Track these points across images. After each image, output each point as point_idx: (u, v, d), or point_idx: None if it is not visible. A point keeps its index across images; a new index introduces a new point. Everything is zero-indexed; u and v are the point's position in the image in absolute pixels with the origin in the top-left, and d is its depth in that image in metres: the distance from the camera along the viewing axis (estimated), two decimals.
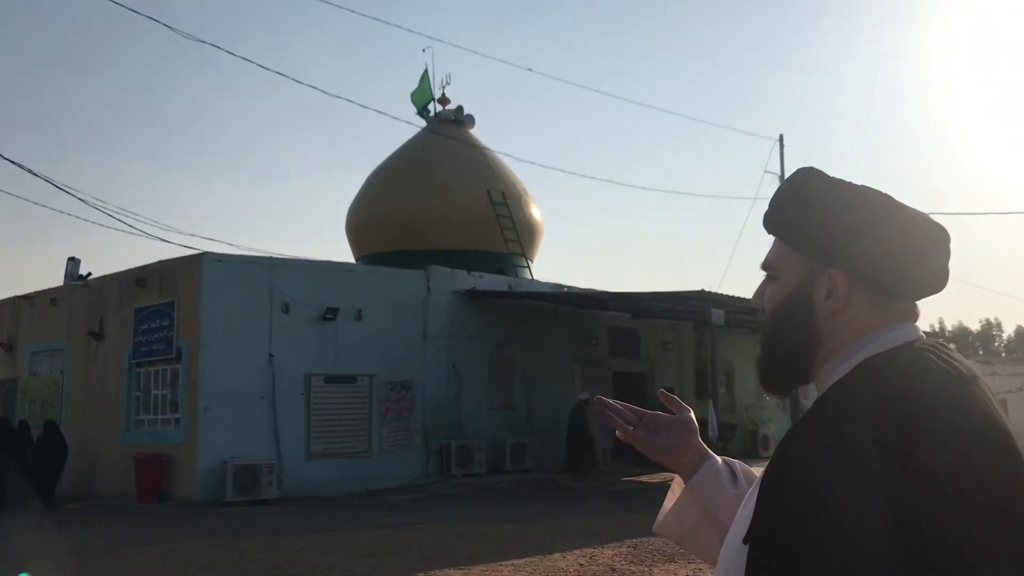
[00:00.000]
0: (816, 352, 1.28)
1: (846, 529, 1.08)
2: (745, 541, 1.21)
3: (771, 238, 1.38)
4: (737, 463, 1.59)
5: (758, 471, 1.39)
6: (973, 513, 1.04)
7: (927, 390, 1.12)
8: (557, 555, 9.90)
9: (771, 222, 1.36)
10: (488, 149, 25.53)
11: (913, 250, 1.25)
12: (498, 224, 22.75)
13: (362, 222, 24.08)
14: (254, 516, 13.71)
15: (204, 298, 15.38)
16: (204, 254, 15.77)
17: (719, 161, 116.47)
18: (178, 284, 15.96)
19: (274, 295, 16.19)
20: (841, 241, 1.26)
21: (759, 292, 1.38)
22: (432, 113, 25.78)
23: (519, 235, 23.17)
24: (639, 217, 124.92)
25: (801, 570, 1.11)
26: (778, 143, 24.79)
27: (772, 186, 29.04)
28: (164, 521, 13.24)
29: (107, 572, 9.30)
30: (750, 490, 1.35)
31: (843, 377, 1.23)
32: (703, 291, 15.83)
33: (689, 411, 1.61)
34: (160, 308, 16.11)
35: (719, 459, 1.59)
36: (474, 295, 19.33)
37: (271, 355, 16.04)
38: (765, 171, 26.96)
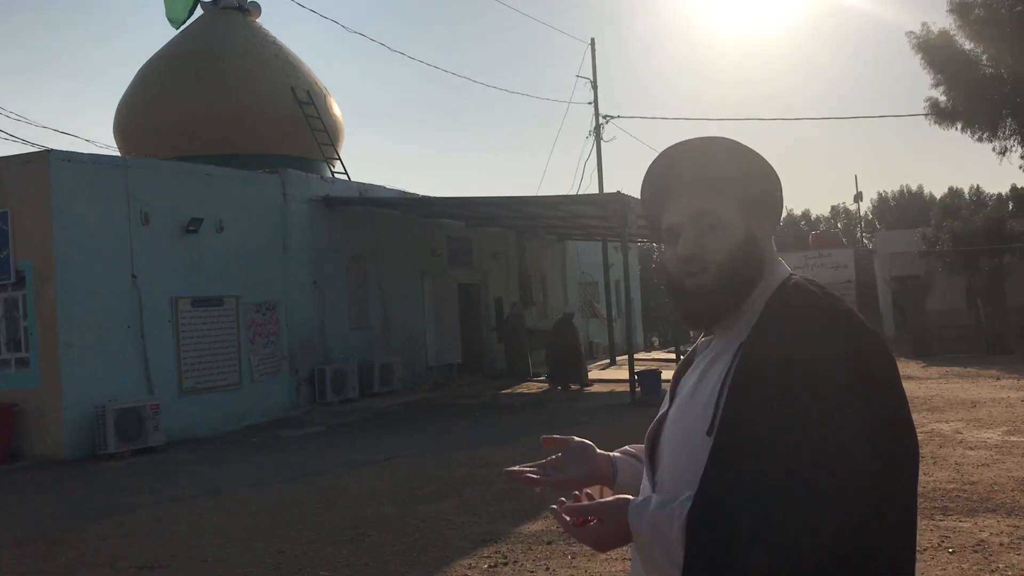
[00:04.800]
0: (756, 284, 1.54)
1: (834, 415, 1.32)
2: (709, 433, 1.42)
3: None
4: (633, 448, 1.78)
5: None
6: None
7: (846, 309, 1.47)
8: None
9: (705, 180, 1.55)
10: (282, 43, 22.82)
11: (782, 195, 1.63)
12: (308, 125, 20.44)
13: (140, 122, 20.53)
14: (164, 468, 11.37)
15: (55, 208, 12.25)
16: (50, 152, 12.47)
17: (535, 64, 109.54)
18: (12, 190, 12.52)
19: (132, 203, 13.31)
20: (764, 194, 1.58)
21: (696, 243, 1.54)
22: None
23: (330, 137, 21.07)
24: (454, 117, 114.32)
25: (793, 443, 1.32)
26: (590, 47, 24.44)
27: (585, 91, 28.90)
28: (60, 486, 10.56)
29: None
30: (676, 401, 1.60)
31: (774, 296, 1.51)
32: (619, 193, 15.10)
33: (573, 438, 1.75)
34: None
35: (620, 455, 1.78)
36: (328, 203, 17.32)
37: (134, 276, 13.26)
38: (578, 76, 26.64)
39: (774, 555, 1.29)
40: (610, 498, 1.53)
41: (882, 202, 51.48)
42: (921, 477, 8.13)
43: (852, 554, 1.32)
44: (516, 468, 1.70)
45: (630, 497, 1.51)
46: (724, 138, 1.59)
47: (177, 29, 22.11)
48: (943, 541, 5.90)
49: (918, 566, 5.24)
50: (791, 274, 1.56)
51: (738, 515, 1.32)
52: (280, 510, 8.40)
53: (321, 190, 17.33)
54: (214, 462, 11.70)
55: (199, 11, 22.31)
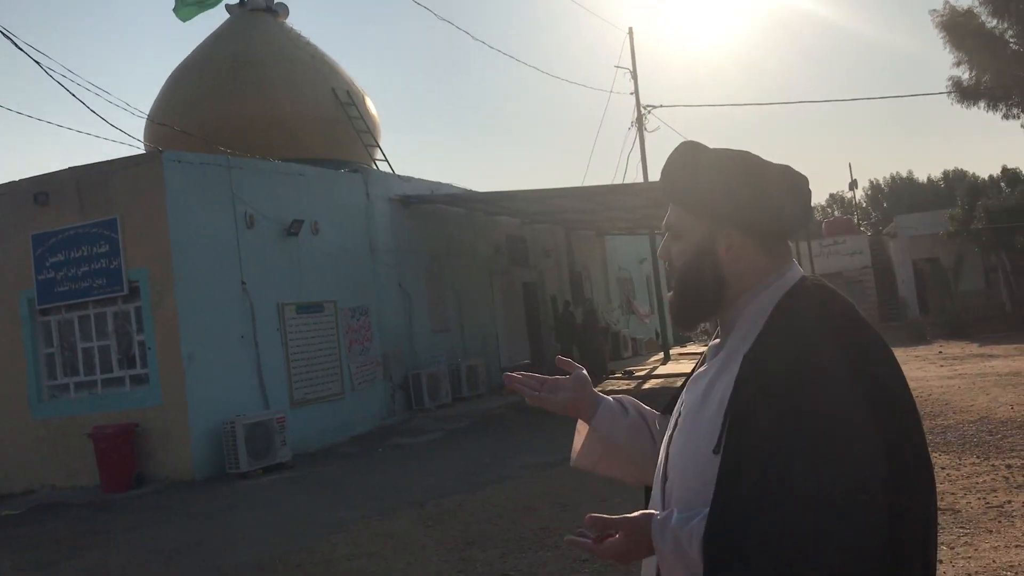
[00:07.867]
0: (723, 294, 1.57)
1: (836, 416, 1.33)
2: (716, 451, 1.44)
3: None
4: (626, 398, 1.90)
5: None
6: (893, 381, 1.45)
7: (849, 313, 1.48)
8: None
9: (668, 191, 1.62)
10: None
11: (781, 201, 1.56)
12: (351, 126, 19.71)
13: (177, 128, 19.65)
14: (316, 483, 10.63)
15: (170, 212, 11.44)
16: (164, 153, 11.65)
17: (570, 54, 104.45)
18: (121, 195, 11.67)
19: (237, 205, 12.55)
20: (730, 205, 1.54)
21: (665, 249, 1.64)
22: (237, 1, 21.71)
23: (374, 137, 20.37)
24: (488, 104, 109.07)
25: (808, 450, 1.31)
26: (628, 36, 24.00)
27: (625, 81, 28.39)
28: (222, 507, 9.77)
29: None
30: (684, 410, 1.60)
31: (779, 307, 1.50)
32: None
33: (582, 369, 1.91)
34: (88, 231, 11.74)
35: (610, 399, 1.90)
36: (406, 202, 16.63)
37: (243, 282, 12.48)
38: (616, 66, 26.14)
39: (792, 567, 1.29)
40: (635, 513, 1.53)
41: (875, 189, 51.92)
42: None
43: (873, 554, 1.31)
44: (517, 374, 1.88)
45: (654, 512, 1.52)
46: (694, 146, 1.61)
47: (184, 22, 21.21)
48: None
49: None
50: (804, 277, 1.55)
51: (750, 531, 1.33)
52: (515, 516, 7.76)
53: (399, 189, 16.65)
54: (363, 474, 10.98)
55: (224, 14, 21.57)
